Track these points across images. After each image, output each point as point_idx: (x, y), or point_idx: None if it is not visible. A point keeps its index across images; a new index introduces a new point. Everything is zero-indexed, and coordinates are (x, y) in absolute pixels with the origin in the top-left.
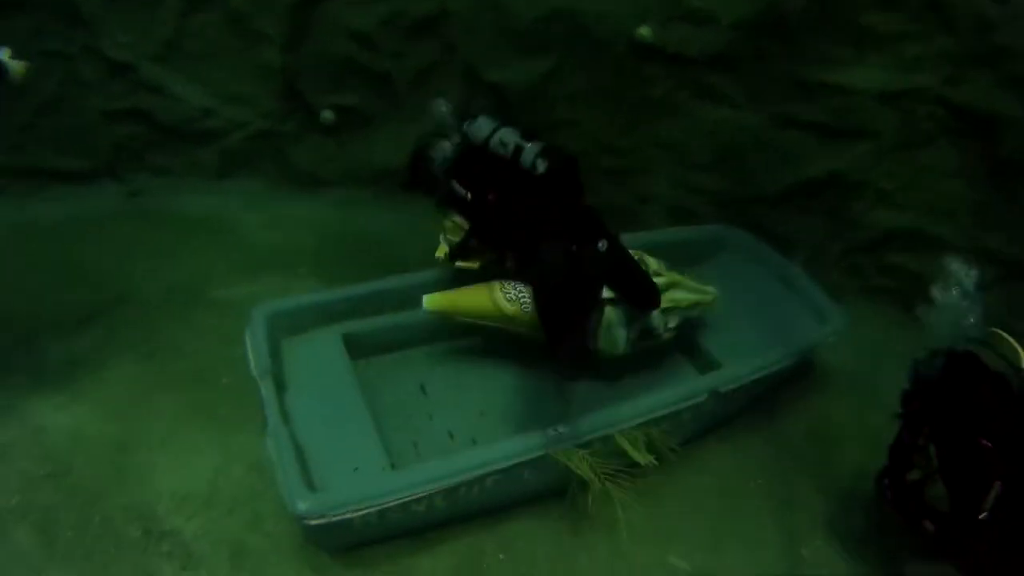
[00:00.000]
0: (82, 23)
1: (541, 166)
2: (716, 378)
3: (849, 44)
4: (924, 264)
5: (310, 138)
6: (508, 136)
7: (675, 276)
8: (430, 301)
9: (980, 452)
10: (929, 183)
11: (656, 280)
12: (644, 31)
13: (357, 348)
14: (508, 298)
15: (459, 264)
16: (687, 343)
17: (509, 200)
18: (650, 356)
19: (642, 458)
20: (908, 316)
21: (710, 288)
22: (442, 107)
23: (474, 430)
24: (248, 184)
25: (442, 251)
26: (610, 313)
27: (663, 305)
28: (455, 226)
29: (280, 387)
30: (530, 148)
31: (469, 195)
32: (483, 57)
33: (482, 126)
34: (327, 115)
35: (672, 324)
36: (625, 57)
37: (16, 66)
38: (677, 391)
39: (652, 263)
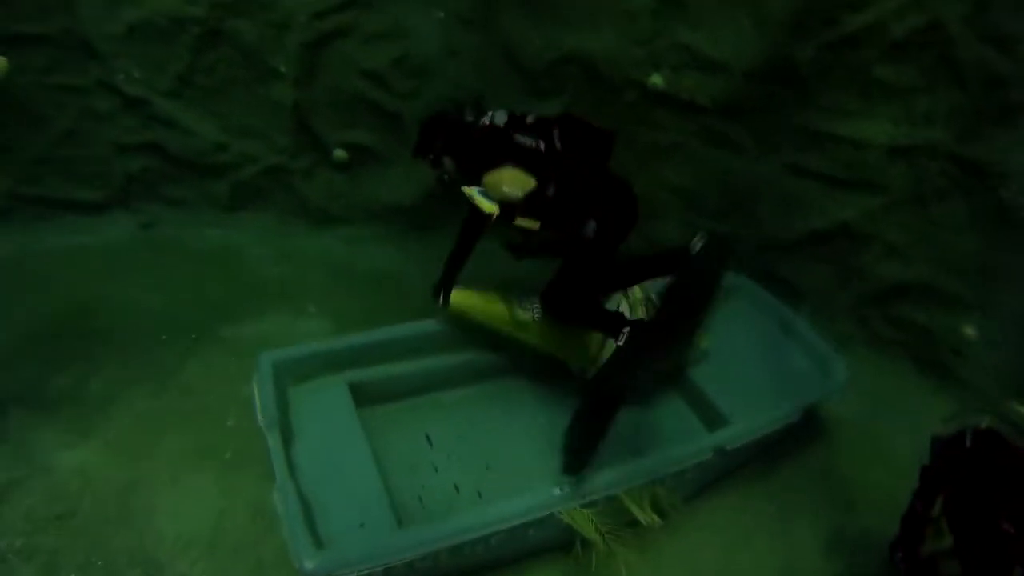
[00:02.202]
0: (97, 58)
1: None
2: (723, 435)
3: (860, 96)
4: (932, 317)
5: (321, 174)
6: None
7: None
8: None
9: (1001, 536)
10: (939, 237)
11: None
12: (656, 78)
13: (363, 396)
14: (523, 306)
15: (519, 223)
16: (692, 393)
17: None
18: (654, 408)
19: (647, 518)
20: (915, 369)
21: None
22: None
23: (480, 484)
24: (259, 218)
25: (490, 207)
26: None
27: None
28: (514, 177)
29: (287, 437)
30: None
31: (542, 144)
32: (494, 98)
33: (502, 112)
34: (340, 154)
35: None
36: (637, 103)
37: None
38: (684, 449)
39: (637, 292)
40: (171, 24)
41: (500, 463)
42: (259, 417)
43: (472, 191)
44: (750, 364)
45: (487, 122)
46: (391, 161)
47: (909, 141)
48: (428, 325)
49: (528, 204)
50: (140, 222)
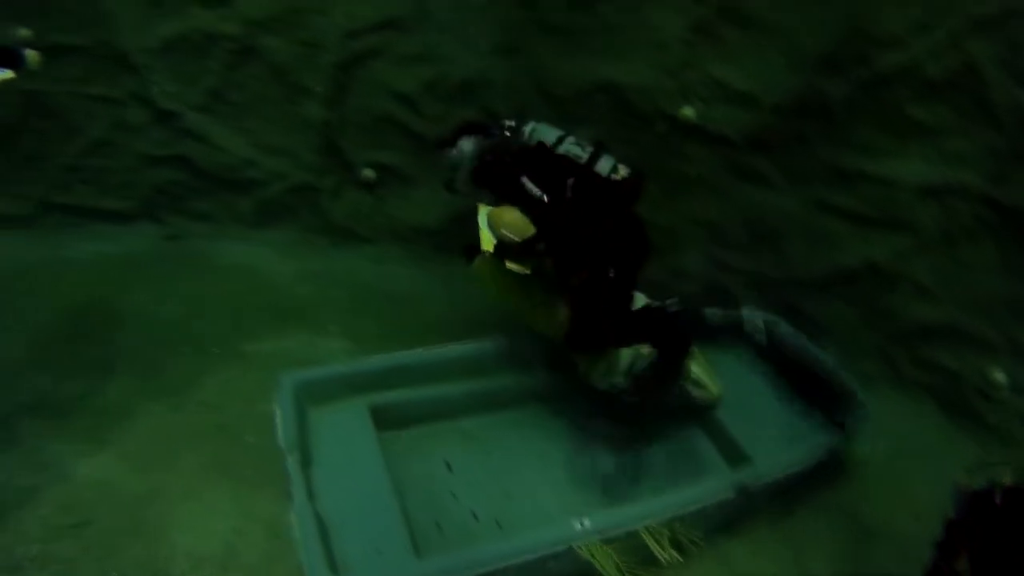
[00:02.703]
0: (131, 70)
1: (623, 171)
2: (745, 474)
3: (892, 134)
4: (960, 360)
5: (347, 193)
6: (582, 140)
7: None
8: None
9: None
10: (968, 279)
11: None
12: (687, 111)
13: (384, 420)
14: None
15: (509, 265)
16: (714, 429)
17: (586, 205)
18: (677, 441)
19: (666, 556)
20: (941, 411)
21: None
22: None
23: (498, 512)
24: (284, 235)
25: (488, 244)
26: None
27: None
28: (514, 221)
29: (306, 459)
30: (607, 156)
31: (546, 197)
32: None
33: (550, 128)
34: (368, 173)
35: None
36: (666, 134)
37: (32, 55)
38: (706, 487)
39: None
40: (205, 40)
41: (519, 492)
42: (279, 438)
43: (482, 219)
44: (776, 404)
45: (526, 133)
46: (417, 183)
47: (941, 181)
48: (451, 350)
49: (521, 250)
50: (165, 234)
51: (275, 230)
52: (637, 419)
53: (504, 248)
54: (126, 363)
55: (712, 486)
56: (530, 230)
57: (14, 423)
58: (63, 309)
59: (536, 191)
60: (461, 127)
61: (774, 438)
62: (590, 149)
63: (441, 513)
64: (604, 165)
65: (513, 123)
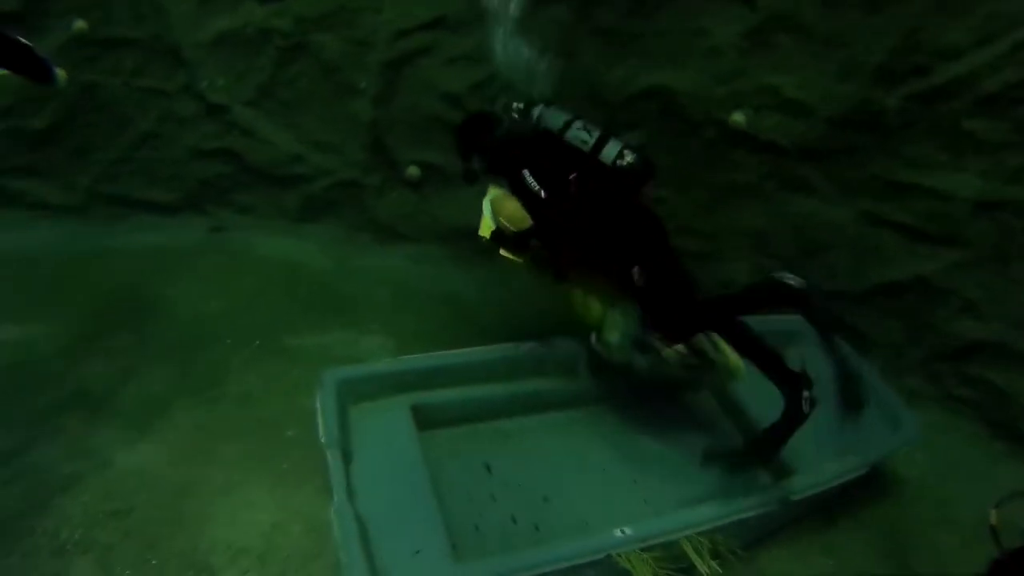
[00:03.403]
0: (183, 64)
1: (628, 157)
2: (788, 486)
3: (947, 148)
4: (1008, 379)
5: (392, 191)
6: (590, 125)
7: None
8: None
9: None
10: (1020, 297)
11: None
12: (738, 117)
13: (425, 419)
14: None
15: (503, 253)
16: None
17: (588, 200)
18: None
19: (706, 568)
20: (987, 430)
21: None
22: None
23: (537, 516)
24: (327, 231)
25: (486, 230)
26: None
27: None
28: (513, 212)
29: (347, 457)
30: (615, 141)
31: (543, 192)
32: None
33: (557, 113)
34: (413, 171)
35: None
36: (716, 140)
37: (62, 74)
38: (748, 498)
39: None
40: (257, 35)
41: (559, 497)
42: (320, 434)
43: (487, 205)
44: (819, 416)
45: (534, 116)
46: (462, 184)
47: (997, 197)
48: (493, 352)
49: (516, 242)
50: (210, 226)
51: (319, 225)
52: (678, 426)
53: (501, 236)
54: (169, 353)
55: (754, 497)
56: (527, 223)
57: (59, 410)
58: (108, 298)
59: (535, 186)
60: (472, 120)
61: (818, 448)
62: (597, 133)
63: (479, 515)
64: (610, 151)
65: (522, 106)
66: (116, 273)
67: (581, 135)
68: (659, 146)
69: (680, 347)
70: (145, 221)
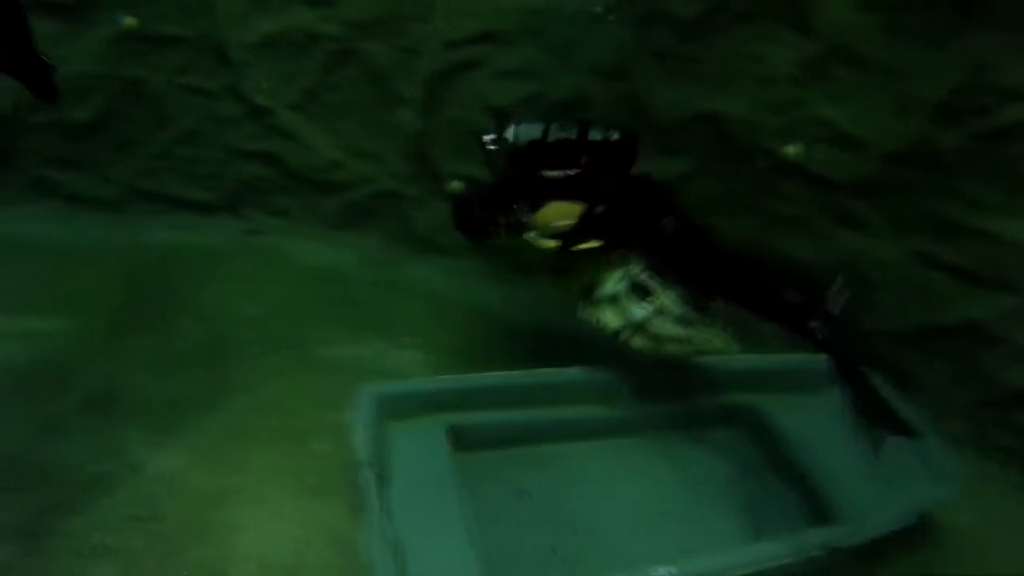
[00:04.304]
0: (228, 64)
1: (615, 134)
2: (836, 532)
3: (1004, 190)
4: None
5: (432, 203)
6: (566, 124)
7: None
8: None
9: None
10: None
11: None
12: (791, 149)
13: (461, 441)
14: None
15: (578, 248)
16: (799, 481)
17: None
18: (760, 490)
19: None
20: None
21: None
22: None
23: (575, 548)
24: (364, 240)
25: (551, 244)
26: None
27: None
28: (558, 209)
29: (381, 476)
30: (594, 130)
31: (572, 170)
32: None
33: (531, 125)
34: (455, 185)
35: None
36: (766, 171)
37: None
38: (792, 543)
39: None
40: (305, 39)
41: (598, 529)
42: (357, 451)
43: (530, 237)
44: (861, 458)
45: (511, 139)
46: None
47: None
48: (535, 375)
49: (582, 228)
50: (245, 228)
51: (356, 234)
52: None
53: (567, 237)
54: (198, 355)
55: (798, 542)
56: (577, 209)
57: (87, 407)
58: (139, 295)
59: (561, 173)
60: (465, 211)
61: (864, 492)
62: (576, 128)
63: (515, 544)
64: (595, 134)
65: (493, 135)
66: (148, 270)
67: (564, 134)
68: (707, 173)
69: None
70: (180, 219)
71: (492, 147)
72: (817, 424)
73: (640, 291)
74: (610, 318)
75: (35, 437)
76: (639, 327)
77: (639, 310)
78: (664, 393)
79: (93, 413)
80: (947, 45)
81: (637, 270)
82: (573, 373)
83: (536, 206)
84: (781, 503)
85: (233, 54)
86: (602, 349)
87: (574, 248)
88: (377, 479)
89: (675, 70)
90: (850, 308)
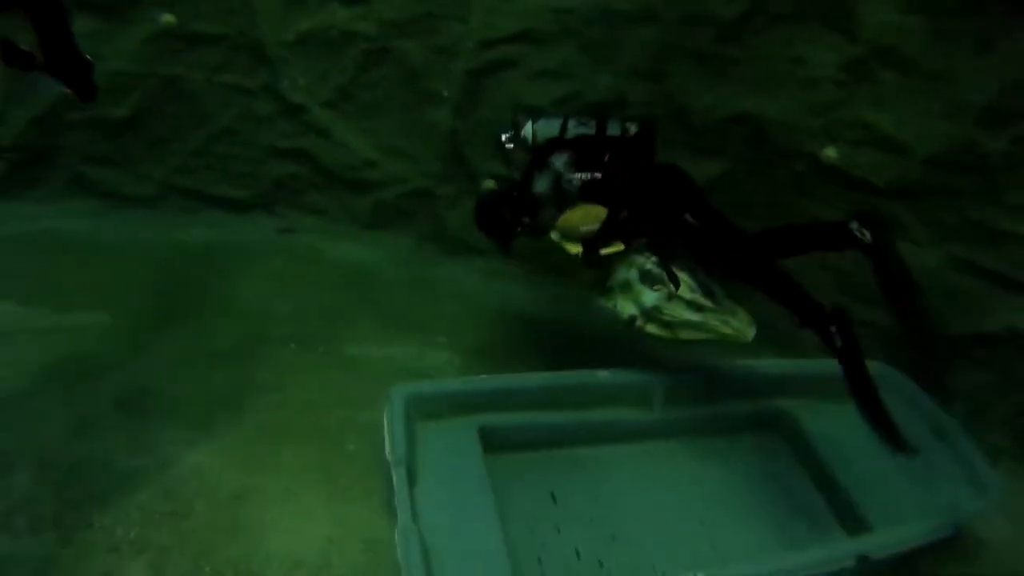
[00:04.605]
0: (266, 62)
1: (632, 128)
2: (869, 543)
3: None
4: None
5: (466, 203)
6: (583, 118)
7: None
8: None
9: None
10: None
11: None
12: (831, 152)
13: (492, 442)
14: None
15: (604, 252)
16: (832, 490)
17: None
18: (789, 498)
19: None
20: None
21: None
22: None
23: (603, 553)
24: (397, 239)
25: (575, 248)
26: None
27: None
28: (585, 214)
29: (412, 476)
30: (613, 123)
31: (596, 173)
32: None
33: (549, 122)
34: (489, 184)
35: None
36: (805, 174)
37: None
38: (824, 553)
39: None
40: (341, 37)
41: (628, 534)
42: (387, 451)
43: (555, 236)
44: (898, 469)
45: (529, 138)
46: None
47: None
48: (566, 377)
49: (607, 232)
50: (279, 226)
51: (389, 233)
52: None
53: (591, 242)
54: (231, 353)
55: (830, 553)
56: (602, 213)
57: (122, 402)
58: (173, 292)
59: (586, 176)
60: (490, 215)
61: (898, 502)
62: (594, 121)
63: (543, 546)
64: (613, 128)
65: (510, 134)
66: (183, 267)
67: (580, 130)
68: (744, 175)
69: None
70: (215, 217)
71: (509, 145)
72: (852, 431)
73: (651, 278)
74: (624, 305)
75: (71, 432)
76: (652, 314)
77: (650, 296)
78: (697, 397)
79: (128, 409)
80: (994, 48)
81: (646, 258)
82: (606, 375)
83: (562, 207)
84: (814, 511)
85: (270, 52)
86: (635, 351)
87: (600, 252)
88: (407, 479)
89: (713, 71)
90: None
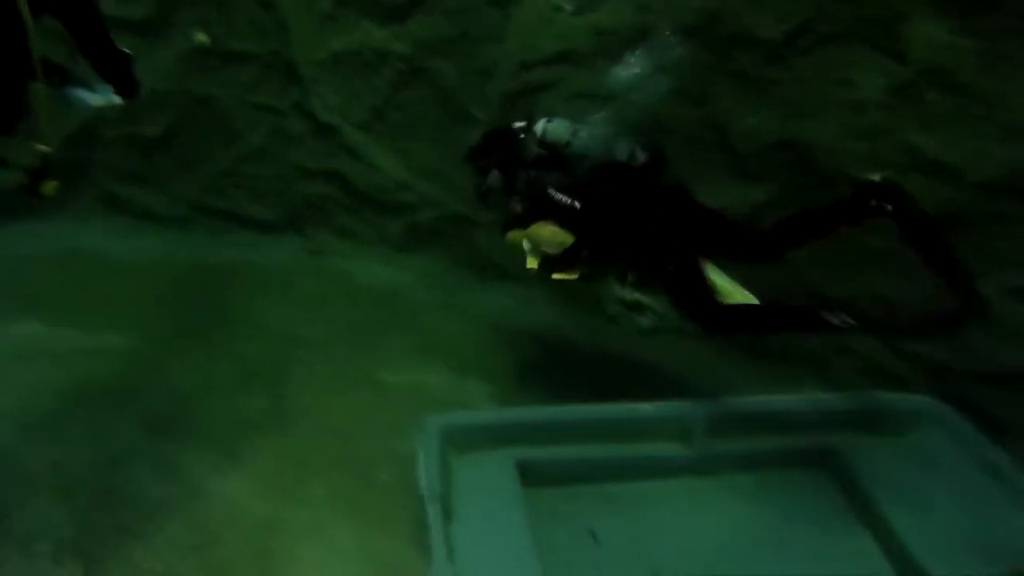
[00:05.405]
0: (297, 81)
1: (641, 156)
2: None
3: None
4: None
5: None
6: (596, 131)
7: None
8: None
9: None
10: None
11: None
12: (877, 177)
13: (529, 476)
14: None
15: (556, 277)
16: (887, 537)
17: (618, 200)
18: (837, 539)
19: None
20: None
21: None
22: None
23: None
24: (429, 263)
25: (534, 262)
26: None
27: None
28: (553, 235)
29: (447, 512)
30: (624, 142)
31: (577, 204)
32: (698, 175)
33: (561, 124)
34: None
35: None
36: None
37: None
38: None
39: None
40: (375, 57)
41: (670, 574)
42: (421, 486)
43: (524, 243)
44: (951, 509)
45: (538, 133)
46: None
47: None
48: (607, 410)
49: (565, 259)
50: (309, 248)
51: (421, 257)
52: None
53: (550, 261)
54: (260, 377)
55: None
56: (569, 240)
57: (149, 428)
58: (201, 314)
59: (566, 200)
60: (495, 142)
61: (953, 543)
62: (605, 138)
63: None
64: (621, 151)
65: (524, 123)
66: (211, 288)
67: (588, 144)
68: (790, 201)
69: None
70: (244, 237)
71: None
72: (903, 468)
73: (643, 284)
74: (639, 320)
75: (97, 457)
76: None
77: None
78: (741, 431)
79: (155, 433)
80: None
81: (632, 277)
82: (647, 408)
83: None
84: (863, 552)
85: (302, 71)
86: (677, 383)
87: (552, 274)
88: (442, 515)
89: (757, 94)
90: None
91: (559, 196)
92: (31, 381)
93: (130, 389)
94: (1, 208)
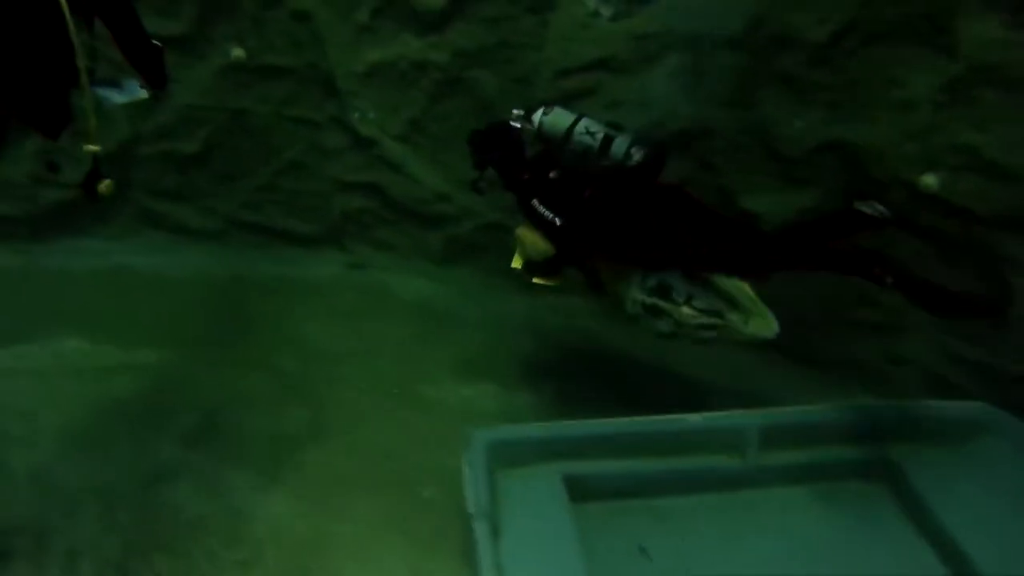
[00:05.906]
0: (335, 94)
1: (637, 155)
2: None
3: None
4: None
5: None
6: (594, 125)
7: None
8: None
9: None
10: None
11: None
12: (930, 180)
13: (578, 491)
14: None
15: (536, 281)
16: (947, 548)
17: (611, 207)
18: (896, 554)
19: None
20: None
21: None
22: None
23: None
24: (469, 275)
25: (518, 262)
26: None
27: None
28: (536, 242)
29: (495, 528)
30: (621, 138)
31: (558, 220)
32: (742, 181)
33: (560, 116)
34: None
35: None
36: (902, 203)
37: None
38: None
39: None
40: (413, 68)
41: None
42: (468, 502)
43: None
44: (1013, 519)
45: (535, 123)
46: None
47: None
48: (655, 423)
49: (546, 268)
50: (348, 262)
51: (461, 269)
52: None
53: (532, 266)
54: (300, 393)
55: None
56: (551, 251)
57: (190, 444)
58: (241, 330)
59: (548, 215)
60: (495, 139)
61: (1018, 557)
62: (602, 134)
63: None
64: (617, 150)
65: (522, 112)
66: (250, 303)
67: (585, 140)
68: (837, 205)
69: (693, 310)
70: (283, 252)
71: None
72: (963, 479)
73: (662, 291)
74: (657, 323)
75: (139, 474)
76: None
77: (664, 325)
78: (794, 442)
79: (196, 450)
80: None
81: (651, 281)
82: (697, 420)
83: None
84: (922, 566)
85: (340, 84)
86: (725, 394)
87: (539, 279)
88: (489, 532)
89: (804, 97)
90: None
91: (541, 210)
92: (73, 397)
93: (170, 405)
94: (42, 226)
